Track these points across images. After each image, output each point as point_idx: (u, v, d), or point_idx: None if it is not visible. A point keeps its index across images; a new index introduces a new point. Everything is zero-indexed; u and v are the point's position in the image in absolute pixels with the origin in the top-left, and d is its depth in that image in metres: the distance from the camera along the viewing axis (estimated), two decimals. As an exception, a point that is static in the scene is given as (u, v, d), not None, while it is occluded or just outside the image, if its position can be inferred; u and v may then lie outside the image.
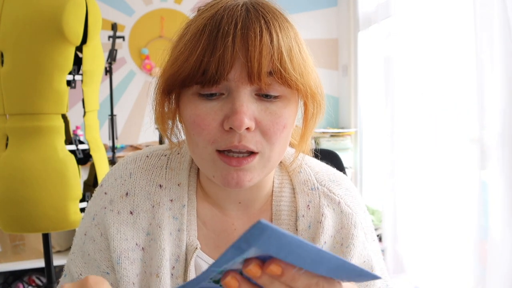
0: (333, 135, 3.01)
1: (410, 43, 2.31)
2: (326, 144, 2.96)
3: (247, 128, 0.56)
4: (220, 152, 0.58)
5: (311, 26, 3.33)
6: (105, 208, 0.68)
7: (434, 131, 2.16)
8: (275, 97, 0.57)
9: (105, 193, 0.69)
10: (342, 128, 3.22)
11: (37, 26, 1.29)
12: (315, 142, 2.98)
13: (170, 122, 0.64)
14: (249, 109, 0.56)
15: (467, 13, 1.93)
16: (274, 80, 0.56)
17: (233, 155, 0.57)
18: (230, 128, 0.56)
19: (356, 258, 0.67)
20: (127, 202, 0.67)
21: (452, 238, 2.06)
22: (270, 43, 0.55)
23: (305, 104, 0.62)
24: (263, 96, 0.57)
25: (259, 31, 0.55)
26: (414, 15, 2.28)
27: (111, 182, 0.70)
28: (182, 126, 0.64)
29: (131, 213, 0.67)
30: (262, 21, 0.56)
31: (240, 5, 0.58)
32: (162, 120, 0.64)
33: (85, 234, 0.70)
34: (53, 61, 1.31)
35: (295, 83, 0.56)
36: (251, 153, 0.58)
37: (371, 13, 2.78)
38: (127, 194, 0.68)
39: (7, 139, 1.36)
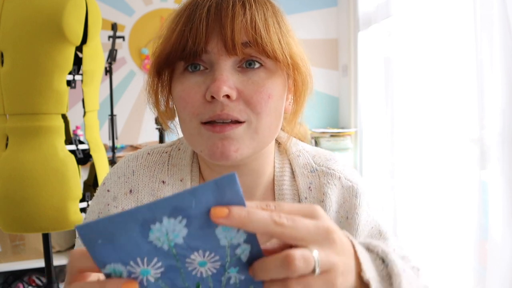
0: (333, 135, 3.01)
1: (410, 43, 2.31)
2: (326, 144, 2.96)
3: (229, 98, 0.56)
4: (204, 123, 0.59)
5: (311, 26, 3.32)
6: (109, 205, 0.69)
7: (434, 131, 2.16)
8: (258, 67, 0.59)
9: (108, 191, 0.70)
10: (342, 128, 3.22)
11: (37, 26, 1.29)
12: (315, 142, 2.98)
13: (163, 104, 0.66)
14: (229, 78, 0.57)
15: (467, 13, 1.93)
16: (252, 50, 0.57)
17: (217, 124, 0.58)
18: (212, 97, 0.56)
19: (362, 226, 0.68)
20: (131, 199, 0.68)
21: (452, 238, 2.06)
22: (243, 13, 0.57)
23: (294, 79, 0.63)
24: (245, 67, 0.58)
25: (232, 3, 0.58)
26: (414, 15, 2.28)
27: (114, 180, 0.70)
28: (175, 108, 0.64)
29: None
30: None
31: None
32: (155, 101, 0.65)
33: None
34: (53, 61, 1.31)
35: (273, 52, 0.57)
36: (237, 122, 0.58)
37: (371, 13, 2.78)
38: (131, 191, 0.69)
39: (7, 139, 1.36)
